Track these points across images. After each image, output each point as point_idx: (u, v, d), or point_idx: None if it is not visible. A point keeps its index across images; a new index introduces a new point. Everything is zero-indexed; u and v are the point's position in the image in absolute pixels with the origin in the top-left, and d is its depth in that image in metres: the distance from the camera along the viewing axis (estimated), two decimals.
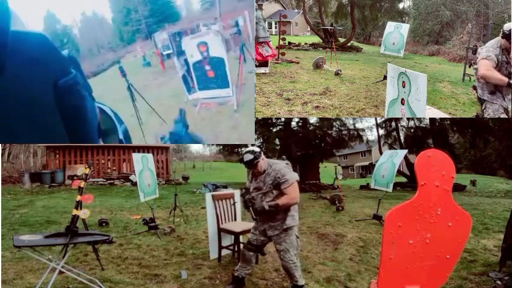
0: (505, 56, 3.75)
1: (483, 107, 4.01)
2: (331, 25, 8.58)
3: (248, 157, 3.07)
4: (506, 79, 3.72)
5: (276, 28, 9.93)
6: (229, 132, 4.61)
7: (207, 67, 4.83)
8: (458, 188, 12.14)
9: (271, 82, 6.48)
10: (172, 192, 7.65)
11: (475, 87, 4.29)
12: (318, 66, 7.38)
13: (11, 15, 1.15)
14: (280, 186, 3.03)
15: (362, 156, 31.39)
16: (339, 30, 10.12)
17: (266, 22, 9.85)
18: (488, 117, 4.01)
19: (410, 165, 13.15)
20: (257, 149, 3.12)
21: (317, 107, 5.60)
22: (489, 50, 3.75)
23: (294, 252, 3.11)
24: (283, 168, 3.09)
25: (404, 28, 6.72)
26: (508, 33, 3.66)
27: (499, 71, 3.75)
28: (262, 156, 3.15)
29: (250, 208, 3.09)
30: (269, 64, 6.84)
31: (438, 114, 5.73)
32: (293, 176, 3.06)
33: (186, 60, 4.91)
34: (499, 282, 3.27)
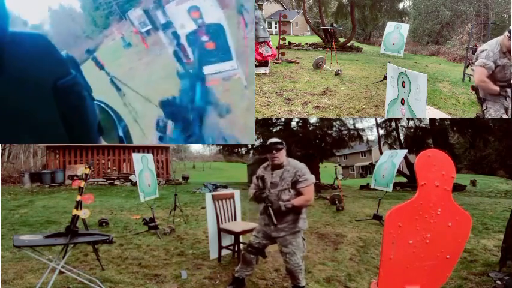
0: (506, 58, 3.71)
1: (484, 107, 3.99)
2: (331, 25, 8.59)
3: (276, 139, 3.09)
4: (497, 88, 3.74)
5: (276, 28, 9.93)
6: (246, 116, 3.88)
7: (205, 37, 4.00)
8: (458, 188, 12.14)
9: (271, 82, 6.48)
10: (172, 192, 7.65)
11: (473, 88, 4.28)
12: (318, 66, 7.38)
13: (9, 15, 1.15)
14: (298, 185, 2.98)
15: (362, 156, 31.41)
16: (339, 30, 10.13)
17: (266, 22, 9.86)
18: (489, 117, 4.00)
19: (410, 165, 13.17)
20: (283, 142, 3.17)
21: (317, 107, 5.60)
22: (489, 56, 3.67)
23: (300, 255, 3.03)
24: (303, 167, 3.06)
25: (404, 28, 6.72)
26: None
27: (503, 73, 3.73)
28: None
29: (270, 210, 2.92)
30: (269, 64, 6.84)
31: (438, 114, 5.73)
32: (311, 177, 3.04)
33: (175, 33, 4.11)
34: (499, 282, 3.27)
